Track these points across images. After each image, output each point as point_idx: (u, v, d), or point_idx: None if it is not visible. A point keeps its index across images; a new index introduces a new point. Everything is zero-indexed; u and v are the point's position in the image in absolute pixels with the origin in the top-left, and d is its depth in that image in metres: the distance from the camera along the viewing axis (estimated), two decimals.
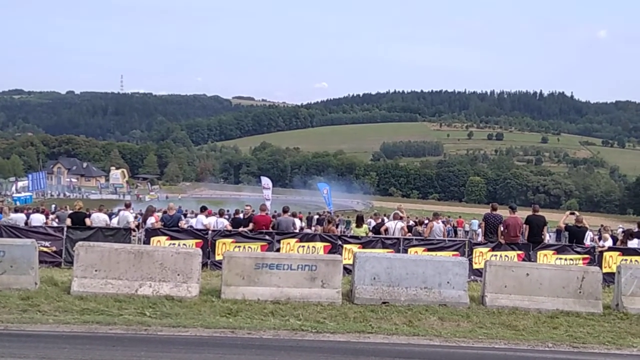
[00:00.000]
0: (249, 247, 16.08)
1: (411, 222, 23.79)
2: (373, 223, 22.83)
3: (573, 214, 18.75)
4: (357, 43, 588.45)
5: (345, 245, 16.38)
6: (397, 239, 16.92)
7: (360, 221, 18.51)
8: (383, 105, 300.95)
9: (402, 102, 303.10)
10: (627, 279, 12.37)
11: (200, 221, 18.34)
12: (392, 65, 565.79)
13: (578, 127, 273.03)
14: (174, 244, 15.81)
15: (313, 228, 33.64)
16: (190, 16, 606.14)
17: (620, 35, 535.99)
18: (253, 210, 18.67)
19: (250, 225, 17.26)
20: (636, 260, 16.38)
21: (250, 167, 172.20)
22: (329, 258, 13.01)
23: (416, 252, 16.28)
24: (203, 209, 20.49)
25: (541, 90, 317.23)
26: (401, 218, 18.86)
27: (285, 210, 18.47)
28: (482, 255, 16.14)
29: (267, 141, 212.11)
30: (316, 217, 38.10)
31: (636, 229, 19.25)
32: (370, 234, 18.07)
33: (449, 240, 18.19)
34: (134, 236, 17.19)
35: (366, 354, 8.62)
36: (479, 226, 26.64)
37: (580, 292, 12.15)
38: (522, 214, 18.13)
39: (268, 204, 33.66)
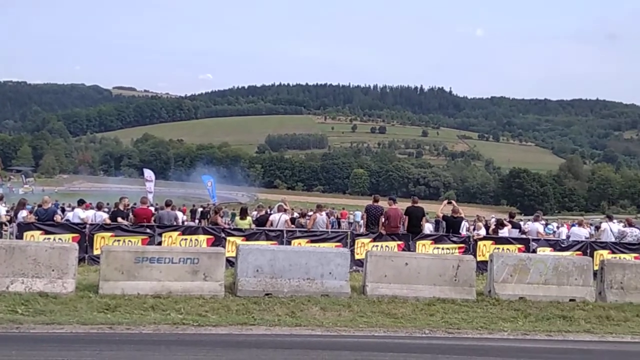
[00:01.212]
0: (129, 241, 15.66)
1: (295, 214, 23.93)
2: (257, 215, 22.79)
3: (450, 203, 19.46)
4: (242, 35, 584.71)
5: (228, 238, 16.27)
6: (281, 231, 16.98)
7: (244, 213, 18.44)
8: (268, 97, 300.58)
9: (288, 95, 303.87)
10: (498, 266, 12.96)
11: (77, 215, 17.72)
12: (277, 58, 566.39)
13: (456, 121, 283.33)
14: (48, 238, 15.15)
15: (197, 221, 33.27)
16: (68, 1, 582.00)
17: (496, 34, 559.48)
18: (134, 204, 18.23)
19: (131, 219, 16.82)
20: (508, 249, 17.18)
21: (132, 159, 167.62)
22: (211, 251, 12.91)
23: (299, 243, 16.38)
24: (80, 202, 19.81)
25: (422, 85, 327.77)
26: (285, 210, 18.93)
27: (167, 204, 18.15)
28: (364, 246, 16.44)
29: (150, 133, 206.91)
30: (200, 209, 37.64)
31: (507, 219, 20.21)
32: (253, 226, 18.03)
33: (332, 232, 18.41)
34: (5, 231, 16.38)
35: (248, 345, 8.61)
36: (362, 217, 27.15)
37: (455, 280, 12.62)
38: (404, 205, 18.64)
39: (150, 196, 33.00)
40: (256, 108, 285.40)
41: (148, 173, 40.64)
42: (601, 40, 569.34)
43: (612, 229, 19.13)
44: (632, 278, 13.28)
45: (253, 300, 11.20)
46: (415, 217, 17.18)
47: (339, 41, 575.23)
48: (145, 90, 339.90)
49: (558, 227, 29.91)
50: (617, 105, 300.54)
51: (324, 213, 20.09)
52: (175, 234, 16.23)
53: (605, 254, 17.17)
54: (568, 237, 20.82)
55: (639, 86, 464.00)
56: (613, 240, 18.48)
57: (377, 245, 16.54)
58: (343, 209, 50.82)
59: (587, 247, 17.63)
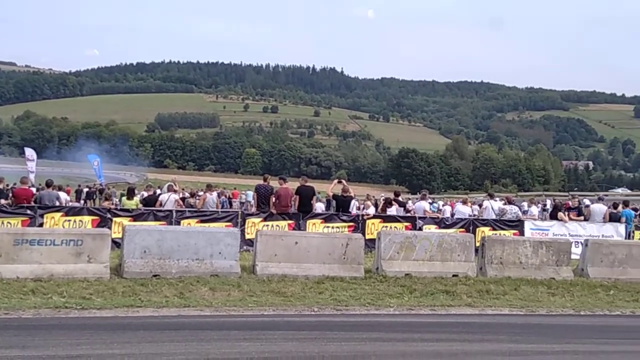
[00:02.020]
0: (9, 222, 14.96)
1: (186, 194, 23.60)
2: (146, 195, 22.30)
3: (340, 182, 19.72)
4: (130, 10, 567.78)
5: (115, 219, 15.83)
6: (170, 211, 16.70)
7: (131, 193, 18.03)
8: (158, 75, 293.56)
9: (178, 73, 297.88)
10: (386, 244, 13.26)
11: None
12: (167, 34, 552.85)
13: (347, 101, 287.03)
14: None
15: (82, 202, 32.25)
16: None
17: (387, 16, 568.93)
18: (14, 184, 17.42)
19: (10, 199, 16.08)
20: (395, 227, 17.61)
21: (12, 137, 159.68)
22: (96, 232, 12.52)
23: (189, 224, 16.18)
24: None
25: (314, 65, 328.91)
26: (175, 190, 18.64)
27: (48, 184, 17.45)
28: (255, 226, 16.41)
29: (32, 110, 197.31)
30: (86, 190, 36.52)
31: (393, 196, 20.67)
32: (141, 206, 17.64)
33: (222, 212, 18.28)
34: None
35: (134, 328, 8.43)
36: (253, 197, 27.11)
37: (344, 258, 12.82)
38: (296, 185, 18.71)
39: (32, 176, 31.65)
40: (145, 86, 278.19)
41: (29, 152, 38.84)
42: (485, 24, 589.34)
43: (493, 206, 19.94)
44: (511, 254, 13.91)
45: (140, 282, 10.97)
46: (305, 196, 17.28)
47: (231, 19, 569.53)
48: (26, 66, 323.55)
49: (443, 206, 30.89)
50: (500, 88, 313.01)
51: (214, 193, 19.95)
52: (57, 215, 15.64)
53: (486, 231, 17.90)
54: (453, 215, 21.58)
55: (520, 69, 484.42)
56: (494, 217, 19.26)
57: (267, 225, 16.56)
58: (235, 188, 50.61)
59: (470, 224, 18.32)
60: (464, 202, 22.22)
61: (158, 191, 22.85)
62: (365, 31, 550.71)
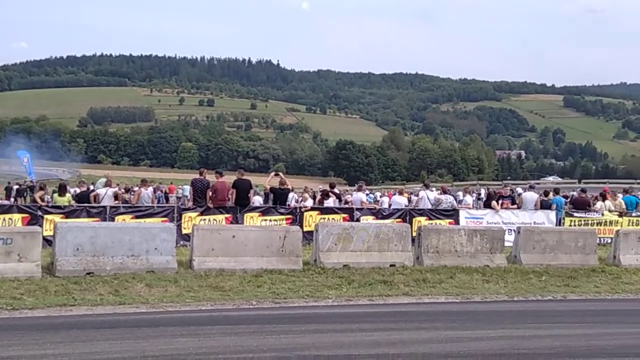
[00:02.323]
0: None
1: (120, 190, 23.14)
2: (78, 191, 21.82)
3: (277, 175, 19.68)
4: (59, 1, 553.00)
5: (46, 216, 15.39)
6: (104, 207, 16.35)
7: (62, 190, 17.59)
8: (89, 68, 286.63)
9: (110, 66, 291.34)
10: (323, 236, 13.28)
11: None
12: (98, 26, 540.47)
13: (284, 94, 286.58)
14: None
15: (12, 199, 31.37)
16: None
17: (321, 8, 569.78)
18: None
19: None
20: (333, 218, 17.67)
21: None
22: (26, 230, 12.17)
23: (124, 219, 15.86)
24: None
25: (250, 58, 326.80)
26: (109, 185, 18.28)
27: None
28: (191, 220, 16.20)
29: None
30: (16, 187, 35.53)
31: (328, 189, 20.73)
32: (73, 202, 17.23)
33: (157, 207, 18.01)
34: None
35: (68, 327, 8.22)
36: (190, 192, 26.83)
37: (282, 251, 12.79)
38: (233, 178, 18.58)
39: None
40: (76, 79, 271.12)
41: None
42: (419, 16, 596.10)
43: (428, 196, 20.19)
44: (447, 242, 14.11)
45: (73, 280, 10.71)
46: (242, 189, 17.19)
47: (164, 11, 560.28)
48: None
49: (381, 196, 31.15)
50: (434, 79, 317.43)
51: (149, 188, 19.65)
52: None
53: (422, 221, 18.11)
54: (390, 205, 21.78)
55: (454, 61, 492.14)
56: (430, 207, 19.52)
57: (204, 219, 16.39)
58: (171, 183, 50.07)
59: (407, 215, 18.50)
60: (400, 193, 22.46)
61: (91, 187, 22.41)
62: (301, 23, 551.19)
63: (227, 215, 16.77)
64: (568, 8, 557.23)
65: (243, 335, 8.13)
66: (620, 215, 20.23)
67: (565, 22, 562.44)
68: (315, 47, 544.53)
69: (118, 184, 28.62)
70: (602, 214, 20.00)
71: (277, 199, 18.46)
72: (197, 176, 17.90)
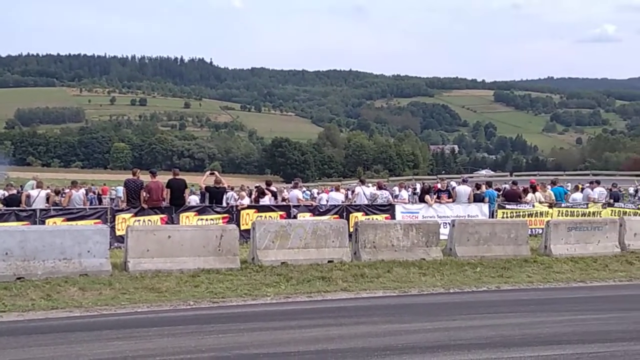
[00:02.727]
0: None
1: (50, 192, 22.54)
2: (7, 194, 21.17)
3: (213, 174, 19.52)
4: None
5: None
6: (33, 210, 15.91)
7: None
8: (16, 69, 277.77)
9: (38, 66, 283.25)
10: (261, 233, 13.22)
11: None
12: (23, 25, 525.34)
13: (218, 92, 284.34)
14: None
15: None
16: None
17: (253, 5, 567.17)
18: None
19: None
20: (270, 216, 17.62)
21: None
22: None
23: (55, 222, 15.46)
24: None
25: (182, 56, 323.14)
26: (40, 187, 17.81)
27: None
28: (125, 222, 15.92)
29: None
30: None
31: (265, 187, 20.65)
32: (1, 206, 16.70)
33: (90, 209, 17.62)
34: None
35: None
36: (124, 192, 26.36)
37: (219, 250, 12.67)
38: (168, 178, 18.32)
39: None
40: (2, 80, 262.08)
41: None
42: (351, 13, 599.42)
43: (365, 192, 20.33)
44: (383, 237, 14.22)
45: (3, 285, 10.35)
46: (177, 189, 16.99)
47: (92, 9, 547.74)
48: None
49: (318, 193, 31.26)
50: (368, 76, 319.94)
51: (81, 190, 19.22)
52: None
53: (359, 216, 18.22)
54: (327, 201, 21.84)
55: (387, 57, 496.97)
56: (366, 202, 19.65)
57: (139, 220, 16.13)
58: (104, 184, 49.08)
59: (344, 210, 18.58)
60: (337, 189, 22.55)
61: (20, 190, 21.79)
62: (233, 21, 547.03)
63: (162, 216, 16.54)
64: (494, 4, 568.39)
65: (181, 336, 8.02)
66: (550, 206, 20.77)
67: (492, 18, 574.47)
68: (248, 45, 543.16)
69: (49, 186, 27.89)
70: (533, 206, 20.51)
71: (213, 197, 18.30)
72: (131, 177, 17.57)
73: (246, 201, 19.72)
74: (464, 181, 22.91)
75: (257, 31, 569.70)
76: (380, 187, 21.19)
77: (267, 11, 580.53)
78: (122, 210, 16.80)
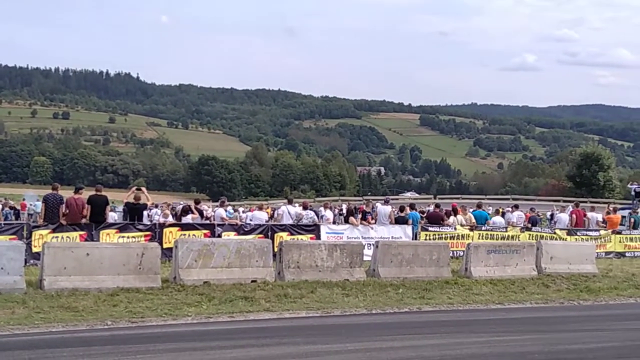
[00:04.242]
0: None
1: None
2: None
3: (139, 189, 19.20)
4: None
5: None
6: None
7: None
8: None
9: None
10: (183, 252, 13.02)
11: None
12: None
13: (144, 108, 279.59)
14: None
15: None
16: None
17: (182, 22, 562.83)
18: None
19: None
20: (194, 235, 17.37)
21: None
22: None
23: None
24: None
25: (107, 70, 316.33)
26: None
27: None
28: (43, 238, 15.42)
29: None
30: None
31: (193, 204, 20.40)
32: None
33: (5, 224, 17.03)
34: None
35: None
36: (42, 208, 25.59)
37: (140, 268, 12.42)
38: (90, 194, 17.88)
39: None
40: None
41: None
42: (280, 34, 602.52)
43: (290, 211, 20.32)
44: (307, 257, 14.22)
45: None
46: (98, 205, 16.57)
47: (14, 19, 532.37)
48: None
49: (244, 212, 31.07)
50: (297, 96, 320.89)
51: None
52: None
53: (284, 236, 18.17)
54: (251, 220, 21.71)
55: (316, 79, 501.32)
56: (291, 222, 19.63)
57: (57, 237, 15.63)
58: (23, 199, 47.58)
59: (269, 230, 18.49)
60: (260, 208, 22.43)
61: None
62: (161, 36, 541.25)
63: (81, 233, 16.09)
64: (422, 29, 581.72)
65: (96, 356, 7.82)
66: (471, 229, 21.22)
67: (419, 44, 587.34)
68: (176, 61, 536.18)
69: None
70: (455, 228, 20.91)
71: (133, 214, 17.95)
72: (50, 191, 17.06)
73: (170, 219, 19.42)
74: (386, 202, 23.16)
75: (185, 48, 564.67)
76: (305, 207, 21.22)
77: (196, 28, 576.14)
78: (39, 226, 16.27)
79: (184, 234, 17.21)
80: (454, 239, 20.23)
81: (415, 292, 13.72)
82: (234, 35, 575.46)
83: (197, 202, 21.64)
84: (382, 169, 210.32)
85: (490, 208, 31.46)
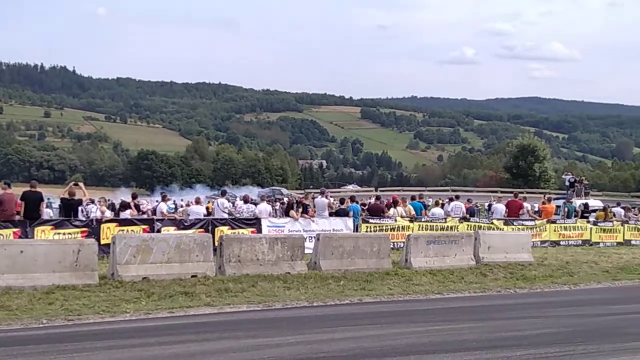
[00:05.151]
0: None
1: None
2: None
3: (77, 185, 18.81)
4: None
5: None
6: None
7: None
8: None
9: None
10: (121, 248, 12.82)
11: None
12: None
13: (81, 102, 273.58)
14: None
15: None
16: None
17: (118, 14, 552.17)
18: None
19: None
20: (132, 230, 17.10)
21: None
22: None
23: None
24: None
25: (42, 64, 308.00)
26: None
27: None
28: None
29: None
30: None
31: (130, 200, 20.09)
32: None
33: None
34: None
35: None
36: None
37: (76, 265, 12.19)
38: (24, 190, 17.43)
39: None
40: None
41: None
42: (220, 25, 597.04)
43: (223, 204, 20.23)
44: (248, 251, 14.18)
45: None
46: (31, 202, 16.20)
47: None
48: None
49: (187, 206, 30.71)
50: (238, 89, 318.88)
51: None
52: None
53: (225, 230, 18.06)
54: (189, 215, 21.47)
55: (257, 72, 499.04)
56: (231, 216, 19.53)
57: None
58: None
59: (209, 224, 18.34)
60: (197, 202, 22.02)
61: None
62: (98, 29, 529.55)
63: (15, 230, 15.65)
64: (362, 23, 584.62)
65: (31, 356, 7.63)
66: (411, 220, 21.47)
67: (359, 37, 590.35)
68: (114, 54, 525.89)
69: None
70: (395, 220, 21.11)
71: (67, 210, 17.58)
72: None
73: (108, 214, 19.08)
74: (322, 193, 23.25)
75: (123, 40, 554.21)
76: (246, 201, 21.12)
77: (133, 20, 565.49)
78: None
79: (123, 230, 16.92)
80: (394, 231, 20.43)
81: (356, 284, 13.81)
82: (173, 28, 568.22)
83: (134, 196, 21.33)
84: (324, 162, 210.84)
85: (431, 200, 31.90)
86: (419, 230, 20.72)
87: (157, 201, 26.78)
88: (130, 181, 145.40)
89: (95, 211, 19.22)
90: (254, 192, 50.56)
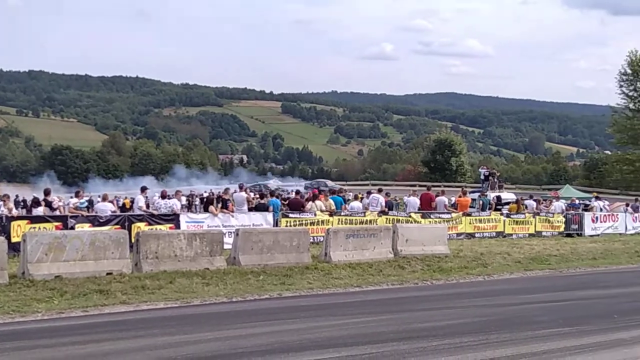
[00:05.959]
0: None
1: None
2: None
3: None
4: None
5: None
6: None
7: None
8: None
9: None
10: (32, 246, 12.41)
11: None
12: None
13: None
14: None
15: None
16: None
17: (31, 4, 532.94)
18: None
19: None
20: (44, 227, 16.55)
21: None
22: None
23: None
24: None
25: None
26: None
27: None
28: None
29: None
30: None
31: (42, 197, 19.49)
32: None
33: None
34: None
35: None
36: None
37: None
38: None
39: None
40: None
41: None
42: (137, 19, 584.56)
43: (139, 201, 19.92)
44: (166, 247, 13.96)
45: None
46: None
47: None
48: None
49: (99, 201, 30.02)
50: (155, 83, 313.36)
51: None
52: None
53: (142, 226, 17.70)
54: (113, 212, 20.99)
55: (175, 66, 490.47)
56: (145, 212, 19.20)
57: None
58: None
59: (125, 221, 17.95)
60: (104, 199, 21.38)
61: None
62: (9, 20, 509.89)
63: None
64: (280, 17, 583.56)
65: None
66: (331, 214, 21.57)
67: (278, 31, 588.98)
68: (25, 46, 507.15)
69: None
70: (315, 214, 21.17)
71: None
72: None
73: (15, 212, 18.40)
74: (240, 188, 23.12)
75: (35, 32, 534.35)
76: (163, 197, 20.78)
77: (46, 11, 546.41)
78: None
79: (34, 227, 16.36)
80: (314, 225, 20.50)
81: (275, 279, 13.82)
82: (88, 19, 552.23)
83: (46, 192, 20.64)
84: (245, 157, 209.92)
85: (351, 194, 32.14)
86: (338, 224, 20.83)
87: (71, 197, 25.99)
88: (44, 177, 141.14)
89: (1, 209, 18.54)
90: (300, 183, 50.96)
